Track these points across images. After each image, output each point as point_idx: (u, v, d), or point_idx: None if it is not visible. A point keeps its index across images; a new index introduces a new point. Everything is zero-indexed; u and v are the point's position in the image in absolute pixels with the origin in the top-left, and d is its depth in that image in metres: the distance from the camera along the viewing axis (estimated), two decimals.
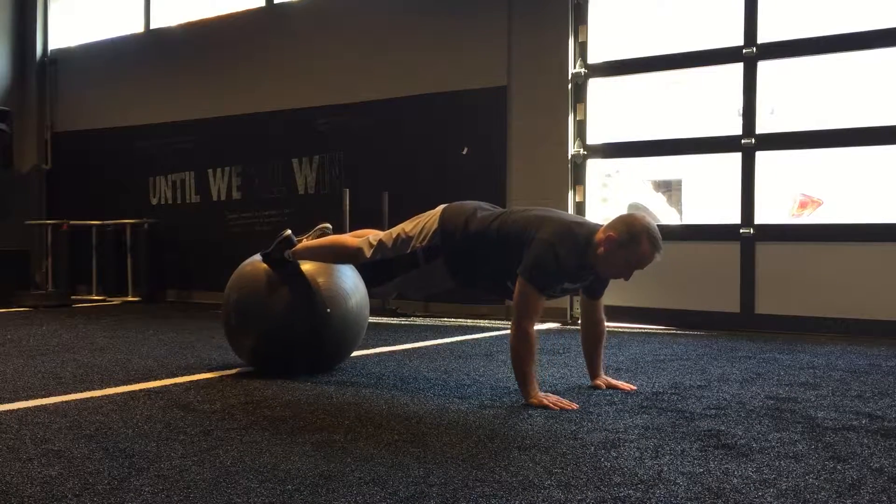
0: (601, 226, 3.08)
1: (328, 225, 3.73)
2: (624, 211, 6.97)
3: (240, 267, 3.77)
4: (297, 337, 3.58)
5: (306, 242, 3.64)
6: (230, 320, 3.70)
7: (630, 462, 2.28)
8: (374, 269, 3.42)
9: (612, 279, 3.24)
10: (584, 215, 5.79)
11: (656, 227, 3.00)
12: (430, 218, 3.31)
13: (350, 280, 3.72)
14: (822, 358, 4.25)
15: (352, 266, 3.74)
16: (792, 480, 2.12)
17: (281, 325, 3.55)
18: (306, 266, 3.62)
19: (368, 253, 3.40)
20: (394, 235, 3.36)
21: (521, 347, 3.02)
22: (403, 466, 2.23)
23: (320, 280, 3.61)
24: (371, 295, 3.56)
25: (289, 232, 3.64)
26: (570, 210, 6.07)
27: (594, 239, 3.01)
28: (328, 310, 3.58)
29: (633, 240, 2.95)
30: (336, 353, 3.81)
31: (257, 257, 3.73)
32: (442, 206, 3.35)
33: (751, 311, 5.60)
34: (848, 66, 5.93)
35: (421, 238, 3.26)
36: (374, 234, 3.48)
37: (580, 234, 3.03)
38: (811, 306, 5.38)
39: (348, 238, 3.61)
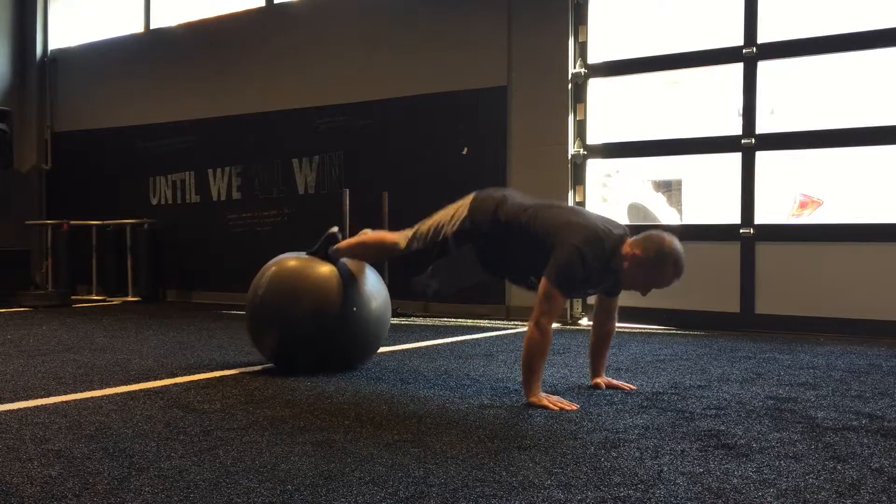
0: (627, 234, 3.09)
1: (368, 230, 3.85)
2: (624, 211, 6.97)
3: (267, 265, 3.80)
4: (320, 335, 3.60)
5: (348, 240, 3.73)
6: (254, 315, 3.74)
7: (630, 462, 2.28)
8: (412, 259, 3.46)
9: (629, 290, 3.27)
10: None
11: (682, 253, 3.02)
12: (461, 205, 3.36)
13: (373, 283, 3.77)
14: (822, 358, 4.25)
15: (374, 270, 3.83)
16: (792, 480, 2.12)
17: (306, 323, 3.58)
18: (330, 268, 3.65)
19: (404, 244, 3.46)
20: (428, 224, 3.42)
21: (537, 343, 3.04)
22: (403, 466, 2.23)
23: (347, 280, 3.64)
24: (411, 287, 3.61)
25: (335, 228, 3.74)
26: None
27: (620, 250, 3.05)
28: (354, 308, 3.63)
29: (659, 263, 3.01)
30: (360, 354, 3.84)
31: (286, 256, 3.78)
32: (473, 193, 3.40)
33: (751, 311, 5.60)
34: (848, 66, 5.93)
35: (451, 224, 3.32)
36: (411, 229, 3.54)
37: (607, 244, 3.05)
38: (811, 306, 5.38)
39: (387, 234, 3.70)
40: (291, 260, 3.75)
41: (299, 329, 3.62)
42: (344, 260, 3.70)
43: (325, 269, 3.65)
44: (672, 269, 3.01)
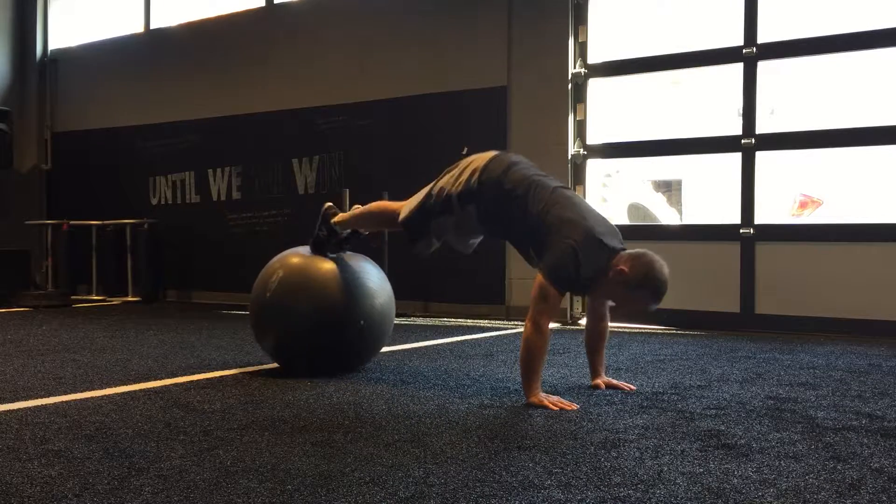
0: (623, 248, 3.09)
1: (359, 206, 3.79)
2: (624, 211, 6.97)
3: (273, 263, 3.75)
4: (323, 338, 3.59)
5: (351, 212, 3.69)
6: (257, 316, 3.73)
7: (630, 462, 2.28)
8: (415, 222, 3.42)
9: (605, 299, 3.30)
10: None
11: (665, 282, 3.02)
12: (473, 162, 3.33)
13: (376, 279, 3.74)
14: (822, 358, 4.25)
15: (378, 266, 3.79)
16: (792, 480, 2.12)
17: (308, 327, 3.57)
18: (331, 265, 3.63)
19: (408, 208, 3.44)
20: (431, 187, 3.40)
21: (536, 342, 3.04)
22: (403, 466, 2.23)
23: (348, 279, 3.62)
24: (413, 252, 3.57)
25: (329, 204, 3.71)
26: None
27: (611, 263, 3.04)
28: (362, 322, 3.61)
29: (641, 287, 3.01)
30: (363, 353, 3.82)
31: (292, 253, 3.73)
32: (491, 154, 3.36)
33: (751, 311, 5.59)
34: (848, 66, 5.93)
35: (456, 184, 3.30)
36: (412, 198, 3.52)
37: (603, 253, 3.05)
38: (811, 306, 5.38)
39: (391, 203, 3.65)
40: (296, 257, 3.70)
41: (301, 329, 3.60)
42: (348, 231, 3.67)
43: (329, 267, 3.62)
44: (651, 296, 3.04)
